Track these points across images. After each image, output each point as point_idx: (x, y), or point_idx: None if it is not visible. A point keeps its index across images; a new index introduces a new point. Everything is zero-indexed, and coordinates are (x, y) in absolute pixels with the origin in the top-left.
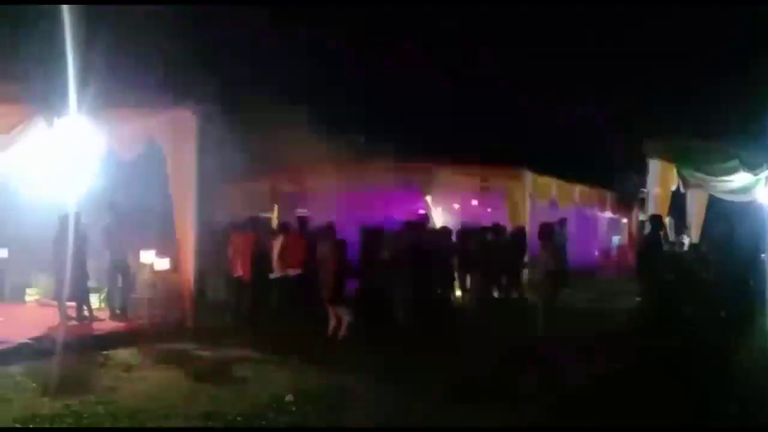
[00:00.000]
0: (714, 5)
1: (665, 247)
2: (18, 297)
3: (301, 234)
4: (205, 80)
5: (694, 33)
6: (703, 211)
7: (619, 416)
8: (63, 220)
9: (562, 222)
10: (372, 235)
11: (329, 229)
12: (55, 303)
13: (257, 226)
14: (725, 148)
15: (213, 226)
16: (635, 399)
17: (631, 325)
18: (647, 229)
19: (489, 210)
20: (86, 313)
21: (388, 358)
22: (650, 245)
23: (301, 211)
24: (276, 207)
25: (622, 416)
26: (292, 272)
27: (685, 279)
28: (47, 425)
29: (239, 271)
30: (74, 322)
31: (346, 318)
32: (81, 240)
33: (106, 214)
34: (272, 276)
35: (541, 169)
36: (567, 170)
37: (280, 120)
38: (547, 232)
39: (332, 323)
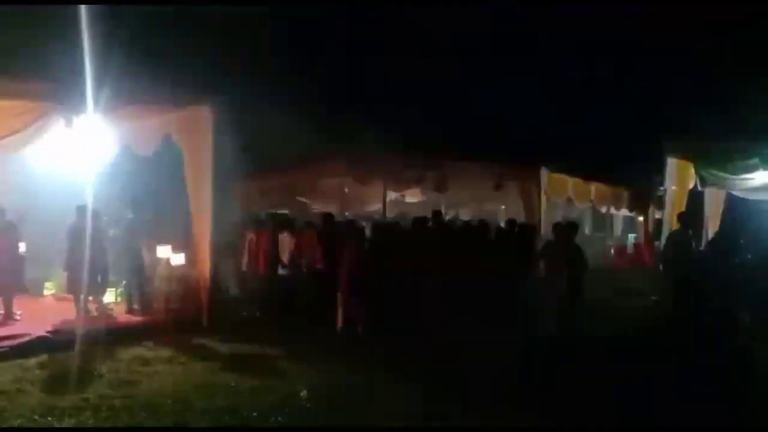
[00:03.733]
0: (735, 3)
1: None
2: (36, 291)
3: (323, 230)
4: (222, 77)
5: (715, 30)
6: (720, 210)
7: None
8: (79, 211)
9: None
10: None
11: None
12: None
13: (275, 222)
14: (745, 145)
15: (230, 222)
16: None
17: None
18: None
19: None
20: (98, 306)
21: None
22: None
23: (315, 207)
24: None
25: None
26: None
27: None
28: (66, 418)
29: (258, 266)
30: (90, 315)
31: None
32: (99, 234)
33: (126, 210)
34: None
35: (558, 166)
36: (584, 168)
37: (295, 117)
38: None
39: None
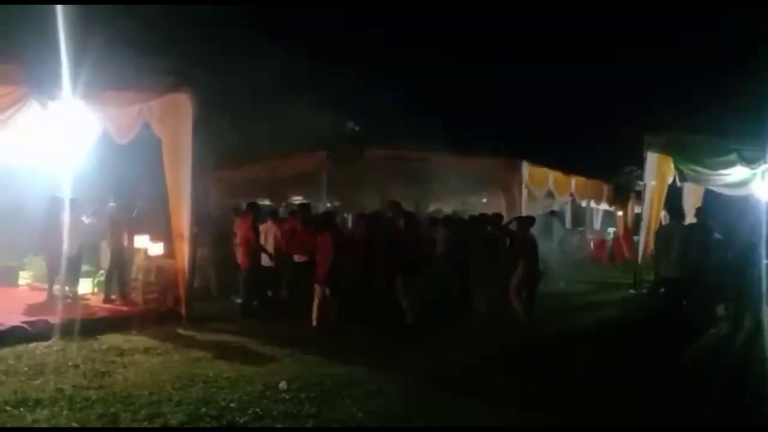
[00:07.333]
0: (713, 2)
1: None
2: (11, 280)
3: (306, 221)
4: (203, 64)
5: (695, 28)
6: (698, 204)
7: None
8: (54, 202)
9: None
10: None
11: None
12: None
13: (256, 212)
14: (723, 142)
15: (209, 211)
16: None
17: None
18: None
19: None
20: (73, 295)
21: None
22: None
23: (297, 198)
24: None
25: None
26: (298, 258)
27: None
28: (39, 409)
29: (238, 257)
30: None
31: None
32: (75, 222)
33: (102, 198)
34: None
35: (539, 159)
36: (565, 162)
37: (277, 105)
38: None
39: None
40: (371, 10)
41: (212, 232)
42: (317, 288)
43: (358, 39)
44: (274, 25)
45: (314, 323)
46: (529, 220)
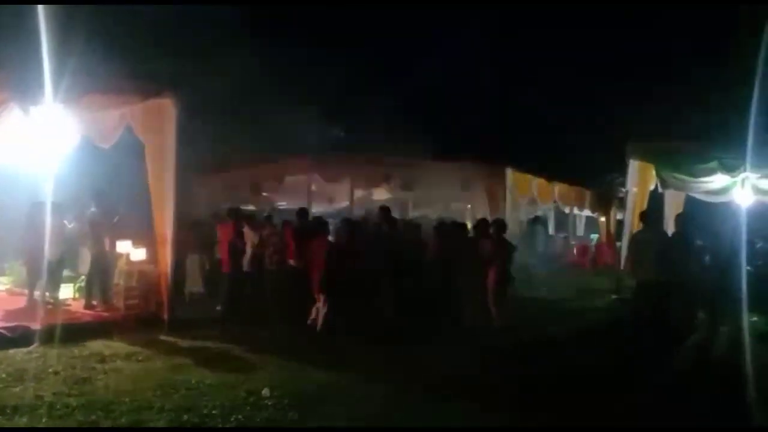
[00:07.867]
0: (696, 9)
1: None
2: None
3: (295, 226)
4: (186, 69)
5: (676, 35)
6: (680, 211)
7: None
8: (35, 206)
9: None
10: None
11: (319, 221)
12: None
13: (240, 217)
14: (704, 149)
15: (192, 217)
16: None
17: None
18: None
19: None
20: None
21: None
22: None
23: (281, 204)
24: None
25: None
26: (296, 264)
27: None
28: (18, 417)
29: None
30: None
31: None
32: (56, 228)
33: (84, 203)
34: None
35: (523, 166)
36: (548, 168)
37: (261, 110)
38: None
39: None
40: (356, 14)
41: (196, 237)
42: (317, 295)
43: (343, 43)
44: (260, 28)
45: (318, 328)
46: (502, 225)
